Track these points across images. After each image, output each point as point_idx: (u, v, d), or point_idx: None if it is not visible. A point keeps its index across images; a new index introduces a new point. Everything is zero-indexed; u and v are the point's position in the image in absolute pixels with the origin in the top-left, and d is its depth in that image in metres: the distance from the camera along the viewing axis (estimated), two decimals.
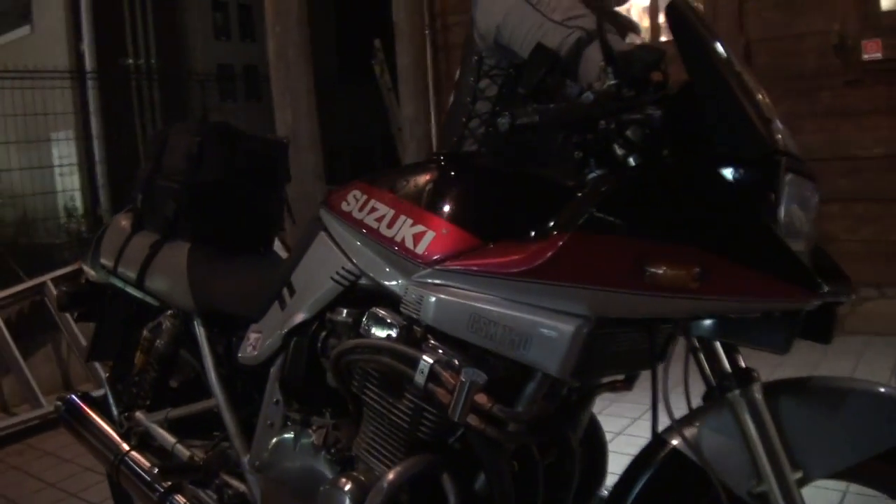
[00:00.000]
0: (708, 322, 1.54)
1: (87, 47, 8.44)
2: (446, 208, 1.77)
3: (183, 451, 2.46)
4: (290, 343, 2.05)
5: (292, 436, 2.07)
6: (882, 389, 1.57)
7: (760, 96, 1.58)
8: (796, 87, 5.47)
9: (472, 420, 1.61)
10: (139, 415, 2.66)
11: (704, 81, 1.56)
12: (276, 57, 5.64)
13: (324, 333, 1.99)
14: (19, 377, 5.13)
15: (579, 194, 1.61)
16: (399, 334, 1.76)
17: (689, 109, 1.57)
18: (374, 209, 1.88)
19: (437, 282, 1.70)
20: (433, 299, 1.69)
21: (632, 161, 1.61)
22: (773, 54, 5.55)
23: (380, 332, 1.81)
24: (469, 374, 1.61)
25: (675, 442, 1.62)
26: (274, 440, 2.11)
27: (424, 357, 1.68)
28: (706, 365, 1.64)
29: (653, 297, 1.45)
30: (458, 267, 1.67)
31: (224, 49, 9.79)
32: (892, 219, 5.25)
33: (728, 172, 1.50)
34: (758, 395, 1.56)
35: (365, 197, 1.93)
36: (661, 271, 1.44)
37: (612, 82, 1.63)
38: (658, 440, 1.67)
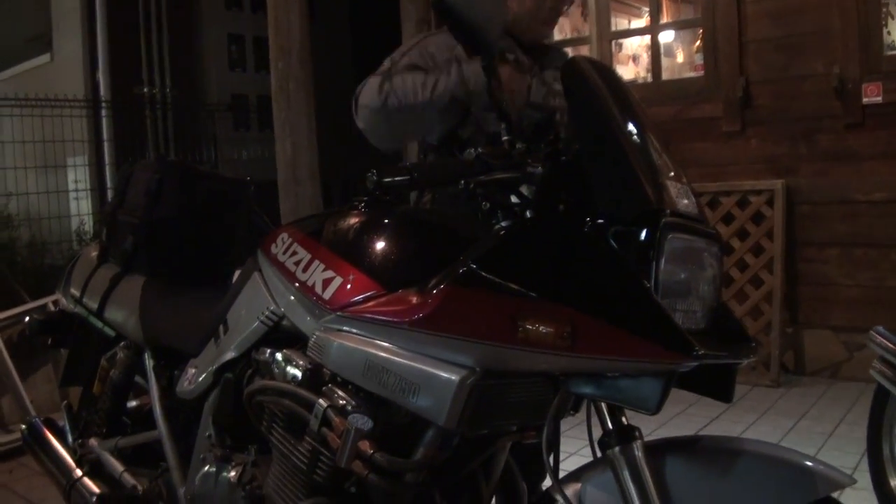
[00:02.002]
0: (584, 379, 1.53)
1: (102, 76, 8.56)
2: (355, 255, 1.80)
3: (129, 480, 2.52)
4: (220, 379, 2.10)
5: (215, 471, 2.11)
6: (776, 453, 1.55)
7: (659, 157, 1.59)
8: (796, 129, 5.48)
9: (356, 467, 1.63)
10: (92, 441, 2.71)
11: (591, 141, 1.59)
12: (278, 90, 5.71)
13: (250, 371, 2.03)
14: (17, 396, 5.19)
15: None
16: (303, 377, 1.79)
17: (579, 169, 1.59)
18: (294, 253, 1.92)
19: (339, 327, 1.74)
20: (334, 344, 1.73)
21: (528, 215, 1.63)
22: (773, 96, 5.55)
23: (288, 375, 1.84)
24: (355, 421, 1.63)
25: (558, 498, 1.61)
26: (200, 474, 2.16)
27: (319, 401, 1.71)
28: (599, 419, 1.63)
29: (526, 352, 1.46)
30: (359, 314, 1.70)
31: (239, 80, 9.90)
32: (889, 265, 5.21)
33: (613, 232, 1.50)
34: (638, 453, 1.54)
35: (290, 240, 1.97)
36: (533, 328, 1.45)
37: (505, 138, 1.67)
38: (545, 496, 1.68)
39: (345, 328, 1.73)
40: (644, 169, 1.53)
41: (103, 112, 8.27)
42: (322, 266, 1.83)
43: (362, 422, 1.63)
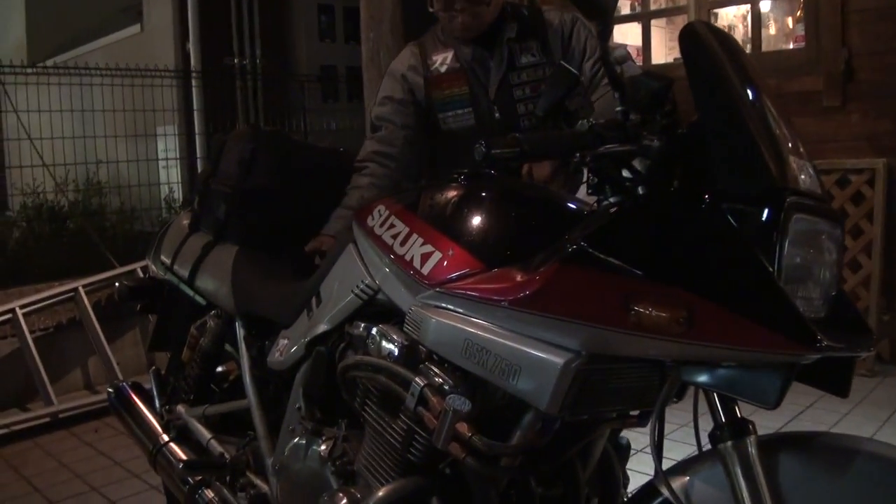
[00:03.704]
0: (697, 368, 1.45)
1: (192, 47, 8.57)
2: (455, 230, 1.75)
3: (216, 447, 2.54)
4: (312, 352, 2.08)
5: (304, 443, 2.10)
6: (894, 455, 1.44)
7: (782, 131, 1.49)
8: None
9: (454, 449, 1.57)
10: (180, 408, 2.75)
11: (713, 112, 1.49)
12: (369, 61, 5.68)
13: (342, 345, 2.00)
14: (104, 358, 5.39)
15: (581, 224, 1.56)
16: (399, 354, 1.74)
17: (697, 142, 1.49)
18: (392, 226, 1.87)
19: (438, 304, 1.68)
20: (432, 321, 1.67)
21: (640, 191, 1.55)
22: (877, 70, 5.31)
23: (383, 350, 1.79)
24: (453, 402, 1.58)
25: (664, 491, 1.54)
26: (289, 445, 2.15)
27: (416, 380, 1.66)
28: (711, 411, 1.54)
29: (637, 337, 1.39)
30: (458, 290, 1.64)
31: (328, 50, 9.85)
32: None
33: (732, 210, 1.41)
34: (752, 450, 1.46)
35: (387, 213, 1.92)
36: (646, 312, 1.37)
37: (619, 108, 1.59)
38: (648, 487, 1.60)
39: (443, 305, 1.67)
40: (767, 143, 1.43)
41: (193, 82, 8.32)
42: (421, 240, 1.78)
43: (461, 403, 1.58)
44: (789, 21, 6.43)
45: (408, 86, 2.77)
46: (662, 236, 1.45)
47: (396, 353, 1.75)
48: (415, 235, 1.79)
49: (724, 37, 1.63)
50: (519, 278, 1.54)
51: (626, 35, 6.95)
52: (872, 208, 5.26)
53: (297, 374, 2.15)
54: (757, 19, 6.06)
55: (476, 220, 1.76)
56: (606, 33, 1.68)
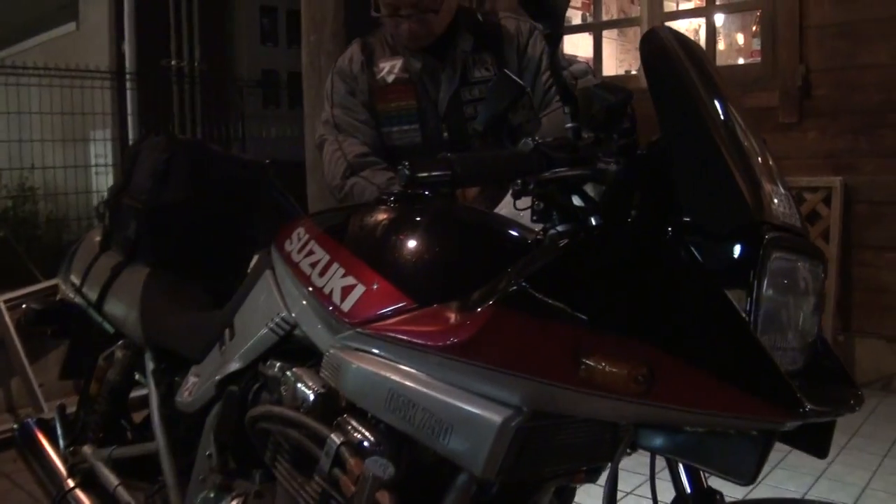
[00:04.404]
0: (658, 432, 1.26)
1: (128, 47, 8.28)
2: (381, 260, 1.52)
3: (123, 495, 2.29)
4: (223, 392, 1.83)
5: (213, 497, 1.87)
6: None
7: (756, 154, 1.29)
8: (857, 122, 5.15)
9: None
10: (86, 449, 2.49)
11: (677, 130, 1.28)
12: (309, 66, 5.45)
13: (256, 386, 1.76)
14: (25, 381, 5.04)
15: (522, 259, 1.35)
16: (314, 404, 1.52)
17: (660, 166, 1.28)
18: (311, 252, 1.65)
19: (359, 346, 1.45)
20: (352, 367, 1.44)
21: (593, 221, 1.33)
22: (834, 87, 5.22)
23: (298, 398, 1.55)
24: (372, 466, 1.35)
25: None
26: (199, 499, 1.91)
27: (332, 436, 1.44)
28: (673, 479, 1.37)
29: (587, 395, 1.18)
30: (382, 332, 1.41)
31: (270, 54, 9.66)
32: None
33: (700, 247, 1.20)
34: None
35: (307, 237, 1.69)
36: (598, 367, 1.17)
37: (570, 125, 1.39)
38: None
39: (365, 348, 1.45)
40: (740, 167, 1.24)
41: (128, 84, 8.03)
42: (342, 270, 1.55)
43: (381, 467, 1.35)
44: (743, 36, 6.36)
45: (358, 89, 2.53)
46: (618, 277, 1.25)
47: (311, 403, 1.53)
48: (336, 265, 1.57)
49: (690, 44, 1.45)
50: (453, 320, 1.33)
51: (578, 46, 6.82)
52: (828, 227, 5.16)
53: (208, 417, 1.92)
54: (712, 33, 5.96)
55: (405, 250, 1.55)
56: (556, 38, 1.49)
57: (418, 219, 1.60)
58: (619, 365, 1.16)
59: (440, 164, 1.32)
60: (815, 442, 1.31)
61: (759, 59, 5.66)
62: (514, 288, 1.27)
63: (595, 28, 6.44)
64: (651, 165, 1.31)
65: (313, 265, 1.62)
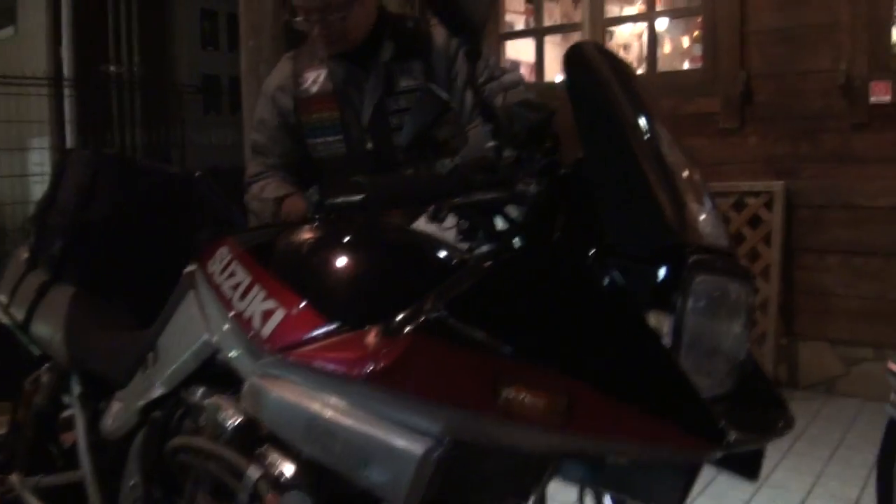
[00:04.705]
0: (580, 463, 1.27)
1: (65, 52, 8.11)
2: (303, 283, 1.47)
3: None
4: (147, 419, 1.79)
5: None
6: None
7: (683, 173, 1.28)
8: (798, 128, 5.18)
9: None
10: (13, 478, 2.39)
11: (600, 149, 1.27)
12: (248, 72, 5.41)
13: (179, 412, 1.70)
14: None
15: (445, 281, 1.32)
16: (234, 434, 1.47)
17: (582, 185, 1.28)
18: (233, 274, 1.59)
19: (279, 373, 1.40)
20: (271, 396, 1.40)
21: (516, 243, 1.32)
22: (775, 92, 5.24)
23: (218, 427, 1.51)
24: (290, 502, 1.32)
25: None
26: None
27: (250, 470, 1.39)
28: None
29: (508, 425, 1.17)
30: (302, 358, 1.36)
31: (211, 59, 9.53)
32: (893, 275, 4.92)
33: (623, 270, 1.19)
34: None
35: (229, 257, 1.63)
36: (517, 396, 1.15)
37: (491, 144, 1.36)
38: None
39: (285, 375, 1.39)
40: (664, 187, 1.22)
41: (66, 91, 7.87)
42: (263, 293, 1.49)
43: (300, 502, 1.32)
44: (686, 41, 6.37)
45: (277, 108, 2.49)
46: (538, 304, 1.23)
47: (230, 434, 1.48)
48: (257, 287, 1.52)
49: (617, 61, 1.44)
50: (373, 347, 1.29)
51: (520, 51, 6.80)
52: (770, 232, 5.18)
53: (132, 445, 1.86)
54: (653, 38, 5.95)
55: (328, 272, 1.51)
56: (475, 53, 1.45)
57: (343, 239, 1.56)
58: (539, 395, 1.15)
59: (352, 188, 1.30)
60: (746, 464, 1.30)
61: (700, 64, 5.68)
62: (434, 315, 1.24)
63: (537, 33, 6.42)
64: (573, 186, 1.30)
65: (235, 287, 1.57)
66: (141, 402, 1.82)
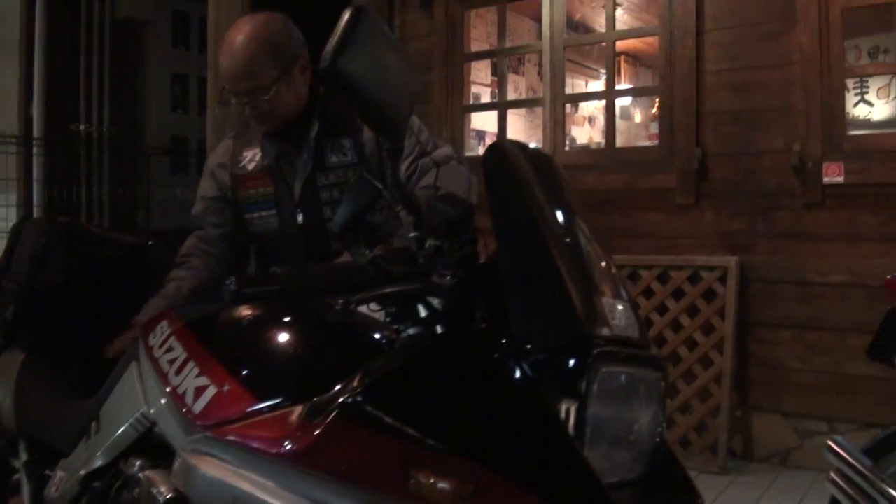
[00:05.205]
0: None
1: (35, 111, 8.13)
2: (234, 361, 1.52)
3: None
4: (88, 489, 1.81)
5: None
6: None
7: (598, 267, 1.35)
8: (753, 205, 5.27)
9: None
10: None
11: (514, 244, 1.34)
12: (213, 137, 5.43)
13: (118, 484, 1.73)
14: None
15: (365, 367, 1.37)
16: None
17: (498, 278, 1.33)
18: (170, 348, 1.64)
19: (208, 450, 1.44)
20: (199, 473, 1.43)
21: (439, 329, 1.37)
22: (730, 170, 5.35)
23: (151, 502, 1.54)
24: None
25: None
26: None
27: None
28: None
29: None
30: (229, 436, 1.41)
31: (180, 121, 9.62)
32: (846, 350, 4.97)
33: (533, 362, 1.25)
34: None
35: (168, 331, 1.68)
36: (427, 482, 1.20)
37: (412, 234, 1.42)
38: None
39: (213, 452, 1.43)
40: (577, 282, 1.28)
41: (34, 150, 7.88)
42: (197, 370, 1.54)
43: None
44: (647, 117, 6.50)
45: (217, 183, 2.58)
46: (450, 392, 1.29)
47: None
48: (191, 363, 1.57)
49: (539, 158, 1.50)
50: (294, 428, 1.34)
51: (486, 122, 6.91)
52: (724, 305, 5.24)
53: None
54: (611, 116, 6.05)
55: (259, 351, 1.55)
56: (397, 152, 1.51)
57: (277, 319, 1.60)
58: (446, 481, 1.19)
59: (268, 280, 1.34)
60: None
61: (657, 141, 5.79)
62: (350, 400, 1.29)
63: (500, 107, 6.55)
64: (490, 278, 1.35)
65: (171, 362, 1.61)
66: (83, 472, 1.83)
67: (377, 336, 1.53)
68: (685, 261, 5.38)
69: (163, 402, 1.62)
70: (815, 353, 5.11)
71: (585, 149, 6.51)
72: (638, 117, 6.84)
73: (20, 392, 2.25)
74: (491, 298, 1.35)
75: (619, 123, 6.33)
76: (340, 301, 1.35)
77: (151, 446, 1.68)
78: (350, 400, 1.30)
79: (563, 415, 1.23)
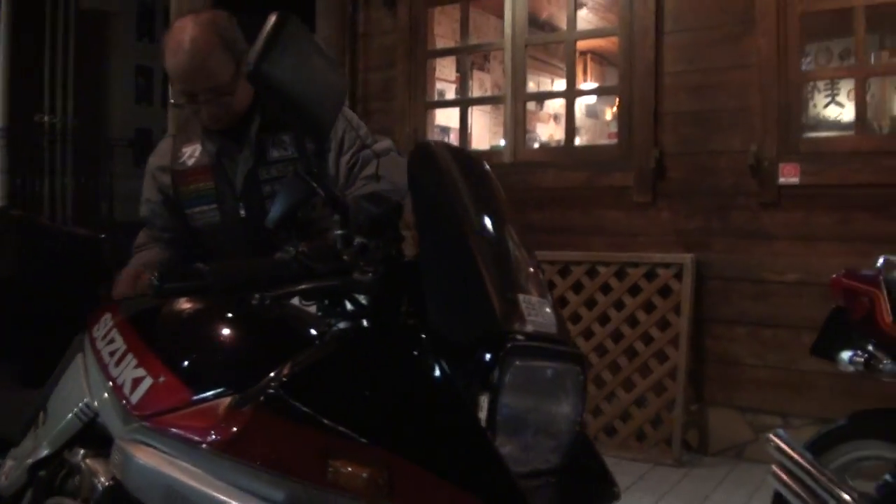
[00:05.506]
0: None
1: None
2: (170, 353, 1.58)
3: None
4: (34, 477, 1.86)
5: None
6: None
7: (522, 267, 1.41)
8: (709, 204, 5.36)
9: None
10: None
11: (435, 241, 1.39)
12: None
13: (63, 472, 1.78)
14: None
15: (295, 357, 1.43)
16: (101, 498, 1.58)
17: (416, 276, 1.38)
18: (112, 340, 1.70)
19: (143, 439, 1.50)
20: (133, 461, 1.48)
21: (364, 324, 1.43)
22: (687, 170, 5.42)
23: (90, 490, 1.62)
24: None
25: None
26: None
27: None
28: None
29: (337, 496, 1.27)
30: (162, 426, 1.47)
31: (145, 114, 9.53)
32: (800, 347, 4.95)
33: (450, 356, 1.30)
34: None
35: (111, 323, 1.74)
36: (344, 470, 1.26)
37: (339, 233, 1.46)
38: None
39: (148, 441, 1.49)
40: (496, 280, 1.34)
41: None
42: (135, 361, 1.60)
43: None
44: (606, 117, 6.56)
45: (158, 185, 2.60)
46: (367, 384, 1.35)
47: (98, 496, 1.58)
48: (130, 355, 1.62)
49: (467, 160, 1.54)
50: (223, 417, 1.39)
51: (450, 118, 6.95)
52: (680, 302, 5.32)
53: (22, 503, 1.93)
54: (571, 115, 6.09)
55: (193, 342, 1.61)
56: (322, 151, 1.57)
57: (211, 313, 1.66)
58: (362, 469, 1.24)
59: (192, 275, 1.38)
60: None
61: (616, 140, 5.85)
62: (271, 391, 1.34)
63: (462, 104, 6.60)
64: (415, 274, 1.39)
65: (112, 353, 1.66)
66: (30, 461, 1.88)
67: (309, 329, 1.57)
68: (642, 258, 5.46)
69: (104, 393, 1.67)
70: (769, 350, 5.20)
71: (545, 146, 6.55)
72: (609, 115, 6.89)
73: None
74: (416, 295, 1.39)
75: (586, 121, 6.40)
76: (257, 296, 1.38)
77: (94, 436, 1.73)
78: (272, 392, 1.36)
79: (478, 407, 1.28)
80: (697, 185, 5.38)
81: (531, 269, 1.44)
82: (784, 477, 2.74)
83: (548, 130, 7.01)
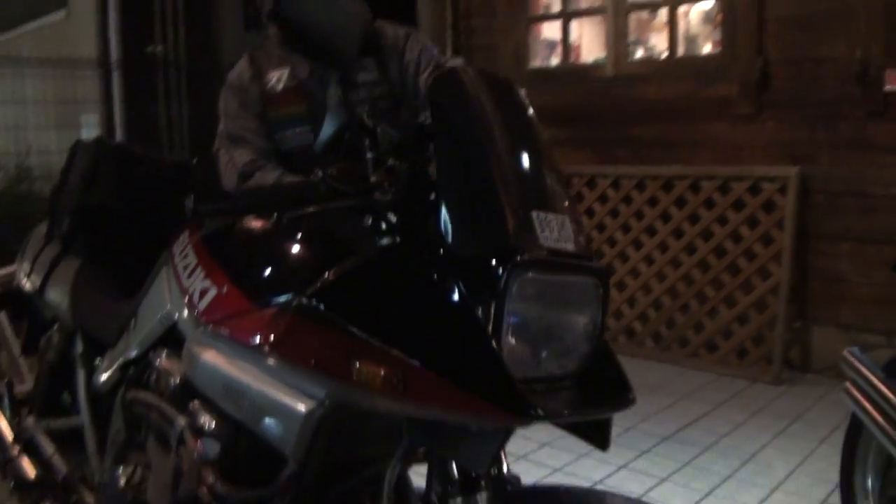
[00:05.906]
0: (423, 428, 1.47)
1: (113, 35, 8.35)
2: (232, 266, 1.76)
3: (57, 463, 2.54)
4: (126, 375, 2.09)
5: (112, 467, 2.10)
6: None
7: (538, 183, 1.46)
8: (814, 114, 5.19)
9: (202, 493, 1.57)
10: (29, 419, 2.76)
11: (452, 158, 1.45)
12: None
13: (148, 371, 2.00)
14: (8, 351, 5.16)
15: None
16: (173, 391, 1.79)
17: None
18: (186, 255, 1.88)
19: (208, 342, 1.69)
20: (200, 360, 1.69)
21: (386, 241, 1.53)
22: (792, 79, 5.26)
23: (164, 385, 1.85)
24: (202, 445, 1.59)
25: None
26: (107, 469, 2.15)
27: (178, 419, 1.69)
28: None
29: (364, 392, 1.39)
30: (222, 330, 1.66)
31: (253, 41, 9.63)
32: None
33: (463, 270, 1.37)
34: None
35: (187, 241, 1.92)
36: (366, 370, 1.37)
37: (369, 156, 1.53)
38: None
39: (212, 343, 1.68)
40: (512, 197, 1.39)
41: (114, 72, 8.15)
42: (203, 274, 1.79)
43: (209, 447, 1.59)
44: (710, 25, 6.35)
45: (249, 100, 2.56)
46: (390, 294, 1.46)
47: (171, 390, 1.79)
48: (199, 268, 1.80)
49: (496, 85, 1.58)
50: (269, 322, 1.55)
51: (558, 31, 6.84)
52: (783, 217, 5.21)
53: (117, 397, 2.13)
54: (673, 24, 5.94)
55: (252, 256, 1.76)
56: (347, 80, 1.61)
57: (270, 230, 1.78)
58: (381, 368, 1.35)
59: (222, 198, 1.50)
60: (596, 434, 1.48)
61: (719, 49, 5.69)
62: (305, 301, 1.48)
63: (564, 16, 6.52)
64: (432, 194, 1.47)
65: (185, 267, 1.85)
66: (121, 361, 2.11)
67: (353, 245, 1.65)
68: (745, 171, 5.35)
69: (180, 301, 1.85)
70: (874, 266, 5.05)
71: (648, 59, 6.41)
72: (701, 28, 6.67)
73: (75, 293, 2.51)
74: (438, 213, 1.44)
75: (702, 28, 6.20)
76: (275, 216, 1.55)
77: (174, 339, 1.91)
78: (307, 301, 1.49)
79: (488, 317, 1.34)
80: (802, 95, 5.22)
81: (557, 188, 1.49)
82: (857, 395, 2.66)
83: (661, 41, 6.80)
